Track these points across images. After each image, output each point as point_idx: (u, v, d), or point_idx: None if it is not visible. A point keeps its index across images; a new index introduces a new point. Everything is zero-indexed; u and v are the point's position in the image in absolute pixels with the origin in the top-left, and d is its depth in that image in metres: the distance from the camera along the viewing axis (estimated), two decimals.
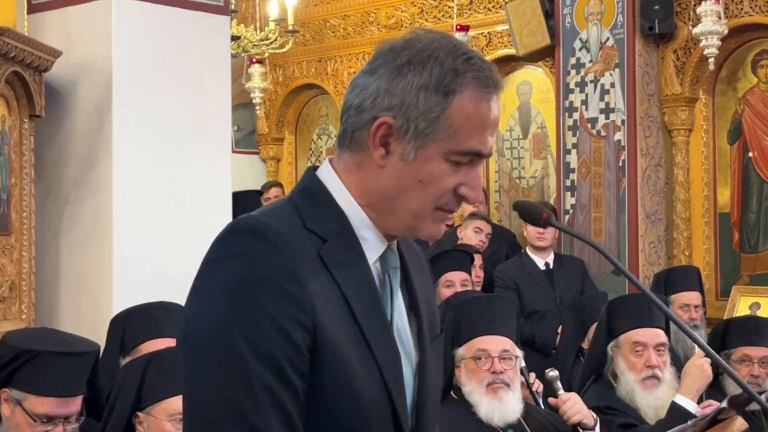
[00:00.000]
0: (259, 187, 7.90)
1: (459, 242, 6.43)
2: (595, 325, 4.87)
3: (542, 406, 3.64)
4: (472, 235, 6.44)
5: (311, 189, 1.61)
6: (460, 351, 3.31)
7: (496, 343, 3.28)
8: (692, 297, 5.35)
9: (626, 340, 3.67)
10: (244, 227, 1.53)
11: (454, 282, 5.25)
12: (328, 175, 1.62)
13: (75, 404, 2.87)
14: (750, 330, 3.99)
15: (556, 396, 3.51)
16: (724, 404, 2.95)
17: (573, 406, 3.45)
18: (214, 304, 1.49)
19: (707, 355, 1.93)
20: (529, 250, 6.22)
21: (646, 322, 3.66)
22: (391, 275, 1.63)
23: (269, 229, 1.51)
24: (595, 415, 3.51)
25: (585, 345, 4.94)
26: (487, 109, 1.57)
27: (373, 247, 1.60)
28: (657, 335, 3.66)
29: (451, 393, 3.32)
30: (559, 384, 3.58)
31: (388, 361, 1.56)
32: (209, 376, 1.48)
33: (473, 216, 6.67)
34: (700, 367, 3.57)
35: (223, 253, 1.52)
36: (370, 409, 1.53)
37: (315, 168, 1.65)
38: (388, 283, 1.62)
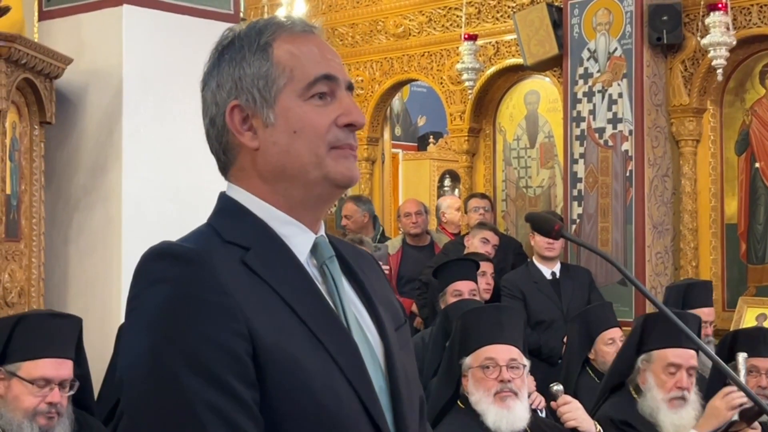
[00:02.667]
0: None
1: (465, 251, 6.44)
2: (602, 335, 4.89)
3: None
4: (479, 245, 6.44)
5: (223, 209, 1.60)
6: (468, 360, 3.31)
7: (504, 352, 3.28)
8: (709, 313, 5.38)
9: (660, 357, 3.58)
10: (155, 253, 1.48)
11: (463, 291, 5.25)
12: (235, 191, 1.60)
13: (67, 368, 2.99)
14: (758, 341, 3.97)
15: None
16: (736, 417, 2.95)
17: (570, 411, 3.47)
18: (142, 340, 1.43)
19: (717, 366, 1.92)
20: (535, 260, 6.21)
21: (683, 343, 3.57)
22: (328, 264, 1.58)
23: (185, 249, 1.48)
24: (598, 426, 3.51)
25: (591, 356, 4.94)
26: (309, 41, 1.58)
27: (300, 242, 1.56)
28: (691, 357, 3.57)
29: (458, 402, 3.32)
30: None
31: (343, 350, 1.49)
32: (152, 411, 1.40)
33: (481, 226, 6.67)
34: (722, 409, 3.47)
35: (142, 284, 1.47)
36: (335, 405, 1.45)
37: (224, 192, 1.63)
38: (328, 273, 1.58)
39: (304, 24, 1.60)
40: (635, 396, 3.66)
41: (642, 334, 3.66)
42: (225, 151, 1.59)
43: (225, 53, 1.58)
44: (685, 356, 3.55)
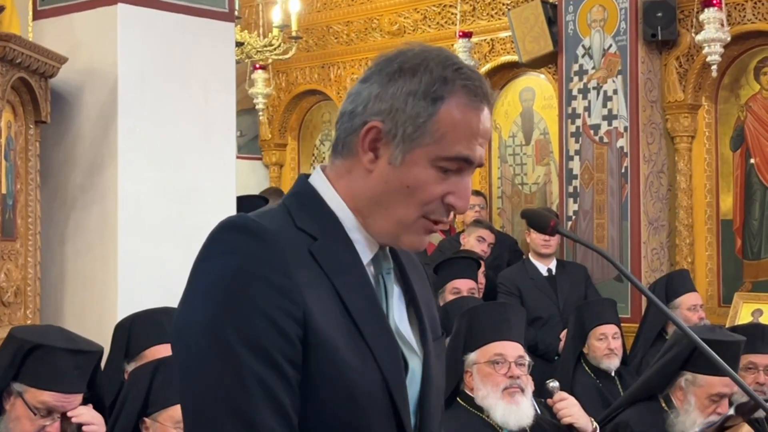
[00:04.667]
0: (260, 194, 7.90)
1: (461, 249, 6.43)
2: (594, 330, 4.88)
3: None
4: (475, 243, 6.43)
5: (302, 193, 1.65)
6: (473, 356, 3.32)
7: (512, 349, 3.31)
8: (696, 297, 5.50)
9: (709, 384, 3.48)
10: (234, 225, 1.56)
11: (462, 290, 5.26)
12: (318, 181, 1.65)
13: (75, 401, 2.93)
14: (756, 337, 3.95)
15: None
16: (731, 412, 2.95)
17: (566, 407, 3.47)
18: (203, 302, 1.52)
19: (716, 364, 1.92)
20: (531, 257, 6.22)
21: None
22: (384, 277, 1.65)
23: (259, 227, 1.54)
24: (594, 422, 3.52)
25: (585, 350, 4.95)
26: (475, 117, 1.59)
27: (364, 249, 1.62)
28: (733, 386, 3.48)
29: (458, 399, 3.33)
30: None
31: (386, 354, 1.56)
32: (202, 373, 1.50)
33: (477, 224, 6.67)
34: None
35: (213, 251, 1.55)
36: (367, 402, 1.53)
37: (307, 175, 1.68)
38: (382, 284, 1.64)
39: (482, 89, 1.60)
40: (665, 407, 3.59)
41: (690, 355, 3.53)
42: (344, 145, 1.63)
43: (403, 76, 1.59)
44: (733, 386, 3.46)
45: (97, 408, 3.07)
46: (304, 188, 1.65)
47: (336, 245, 1.59)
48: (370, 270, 1.63)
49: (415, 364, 1.63)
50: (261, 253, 1.51)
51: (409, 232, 1.61)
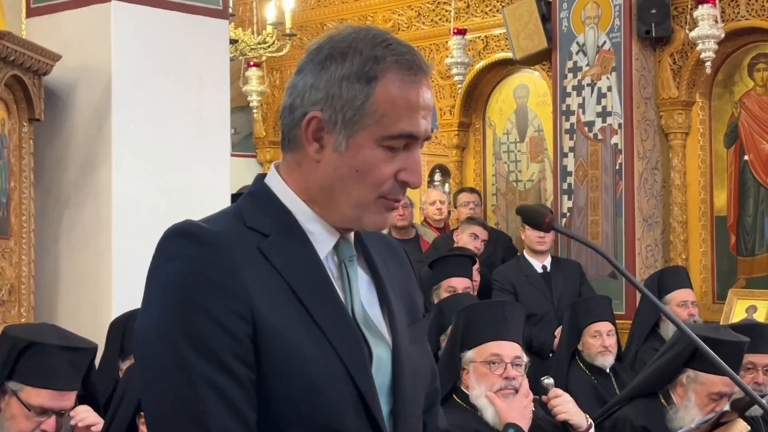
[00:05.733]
0: None
1: (455, 246, 6.43)
2: (589, 327, 4.89)
3: None
4: (468, 240, 6.42)
5: (255, 192, 1.65)
6: (470, 354, 3.29)
7: (509, 349, 3.27)
8: (688, 294, 5.47)
9: (710, 382, 3.49)
10: (176, 231, 1.56)
11: (457, 288, 5.25)
12: (272, 178, 1.65)
13: (69, 399, 2.93)
14: (755, 337, 3.90)
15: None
16: (727, 407, 2.96)
17: (560, 404, 3.46)
18: (154, 310, 1.53)
19: (713, 362, 1.92)
20: (526, 253, 6.22)
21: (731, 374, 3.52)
22: (347, 265, 1.63)
23: (201, 230, 1.55)
24: (589, 419, 3.51)
25: (580, 347, 4.96)
26: (413, 90, 1.57)
27: (322, 240, 1.61)
28: (735, 386, 3.43)
29: (454, 396, 3.32)
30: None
31: (345, 342, 1.55)
32: (157, 378, 1.52)
33: (470, 221, 6.66)
34: None
35: (160, 259, 1.56)
36: (331, 393, 1.53)
37: (263, 175, 1.67)
38: (345, 273, 1.63)
39: (415, 61, 1.59)
40: (665, 403, 3.60)
41: (694, 352, 3.52)
42: (290, 140, 1.63)
43: (334, 62, 1.57)
44: (733, 386, 3.44)
45: (91, 406, 3.08)
46: (258, 187, 1.65)
47: (288, 240, 1.58)
48: (333, 259, 1.63)
49: (381, 351, 1.61)
50: (203, 256, 1.51)
51: (369, 213, 1.60)
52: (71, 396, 2.94)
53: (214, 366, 1.48)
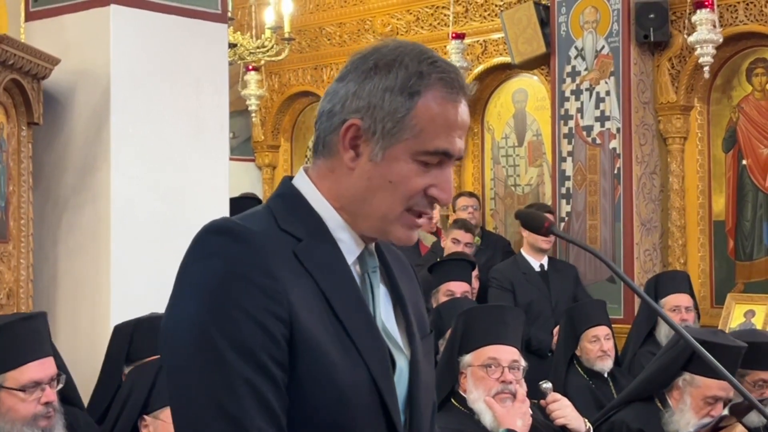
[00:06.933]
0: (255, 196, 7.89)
1: (444, 251, 6.40)
2: (587, 332, 4.88)
3: None
4: (451, 245, 6.35)
5: (285, 195, 1.65)
6: (468, 358, 3.29)
7: (507, 353, 3.27)
8: (682, 299, 5.42)
9: (706, 385, 3.50)
10: (218, 228, 1.56)
11: (455, 292, 5.24)
12: (302, 182, 1.65)
13: (51, 365, 3.00)
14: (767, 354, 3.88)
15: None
16: (726, 412, 2.96)
17: (559, 408, 3.46)
18: (190, 306, 1.52)
19: (710, 364, 1.92)
20: (524, 251, 6.23)
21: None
22: (370, 275, 1.65)
23: (242, 229, 1.55)
24: (588, 423, 3.52)
25: (578, 352, 4.95)
26: (453, 109, 1.60)
27: (349, 249, 1.63)
28: (730, 391, 3.47)
29: (452, 400, 3.32)
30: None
31: (373, 352, 1.57)
32: (191, 376, 1.50)
33: (453, 224, 6.60)
34: None
35: (197, 254, 1.55)
36: (356, 402, 1.54)
37: (291, 177, 1.68)
38: (368, 283, 1.64)
39: (458, 81, 1.61)
40: (660, 407, 3.60)
41: (692, 356, 3.52)
42: (324, 145, 1.64)
43: (378, 73, 1.59)
44: (729, 390, 3.46)
45: (73, 393, 3.14)
46: (287, 190, 1.66)
47: (320, 246, 1.59)
48: (356, 269, 1.64)
49: (402, 362, 1.64)
50: (245, 255, 1.52)
51: (395, 226, 1.61)
52: (51, 362, 3.00)
53: (252, 366, 1.47)
